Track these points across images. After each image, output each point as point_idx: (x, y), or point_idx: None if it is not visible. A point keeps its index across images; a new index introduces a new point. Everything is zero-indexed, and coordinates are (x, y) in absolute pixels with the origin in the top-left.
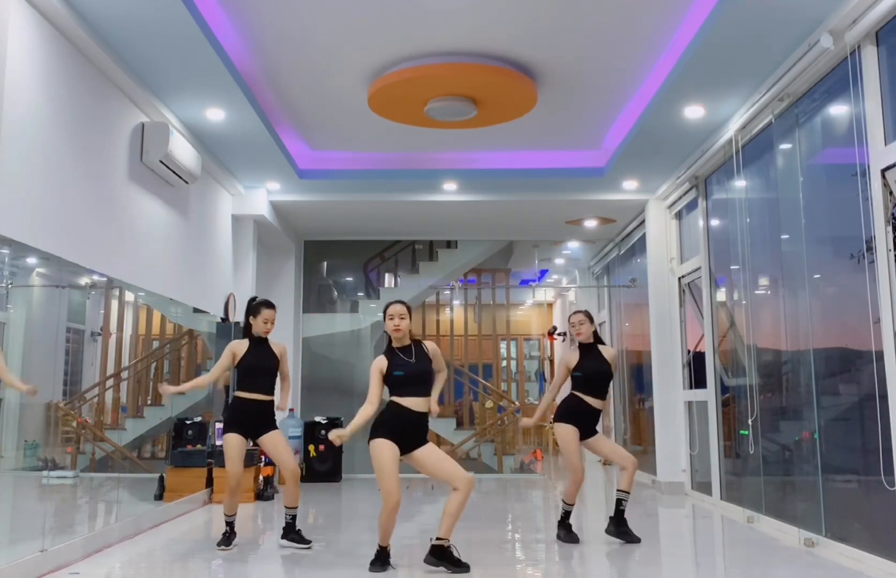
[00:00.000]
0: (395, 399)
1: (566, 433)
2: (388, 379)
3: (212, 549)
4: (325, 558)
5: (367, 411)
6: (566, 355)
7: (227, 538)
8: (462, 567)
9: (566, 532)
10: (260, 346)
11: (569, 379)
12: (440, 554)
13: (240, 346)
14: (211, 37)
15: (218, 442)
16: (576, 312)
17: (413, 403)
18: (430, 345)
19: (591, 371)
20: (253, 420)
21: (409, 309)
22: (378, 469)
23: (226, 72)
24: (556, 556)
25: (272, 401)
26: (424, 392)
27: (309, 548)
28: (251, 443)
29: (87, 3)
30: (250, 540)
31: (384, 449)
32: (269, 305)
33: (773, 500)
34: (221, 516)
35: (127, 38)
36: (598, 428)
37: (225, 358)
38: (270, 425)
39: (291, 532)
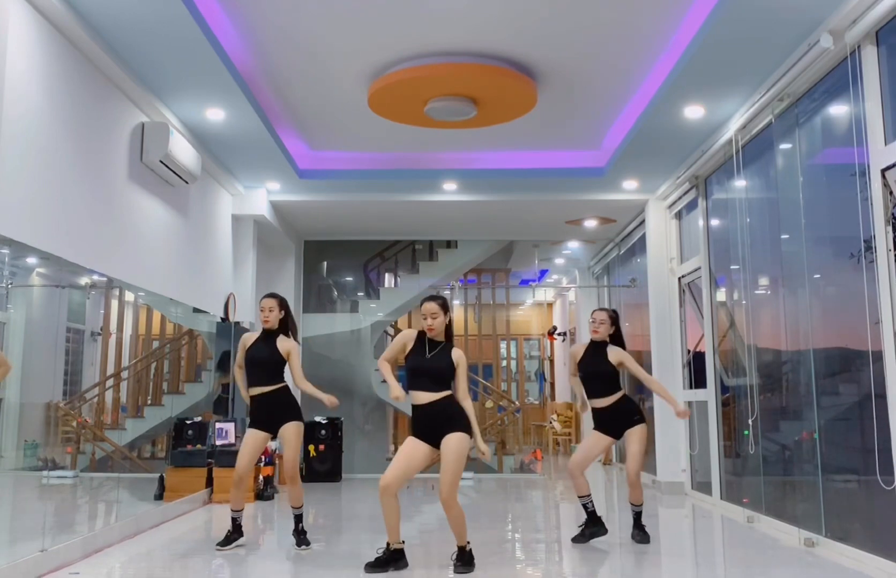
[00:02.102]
0: (410, 393)
1: (588, 437)
2: (405, 363)
3: (212, 549)
4: (326, 558)
5: (383, 365)
6: (575, 346)
7: (228, 538)
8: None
9: (596, 527)
10: (266, 340)
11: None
12: (460, 556)
13: (249, 337)
14: (211, 37)
15: (218, 442)
16: (600, 309)
17: (419, 397)
18: (456, 354)
19: (588, 372)
20: (265, 413)
21: (443, 304)
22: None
23: (226, 72)
24: (556, 556)
25: (281, 390)
26: (434, 388)
27: (306, 550)
28: (272, 439)
29: (87, 3)
30: (250, 540)
31: (407, 442)
32: (267, 295)
33: (773, 500)
34: (221, 516)
35: (127, 37)
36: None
37: (239, 351)
38: (288, 416)
39: (295, 531)
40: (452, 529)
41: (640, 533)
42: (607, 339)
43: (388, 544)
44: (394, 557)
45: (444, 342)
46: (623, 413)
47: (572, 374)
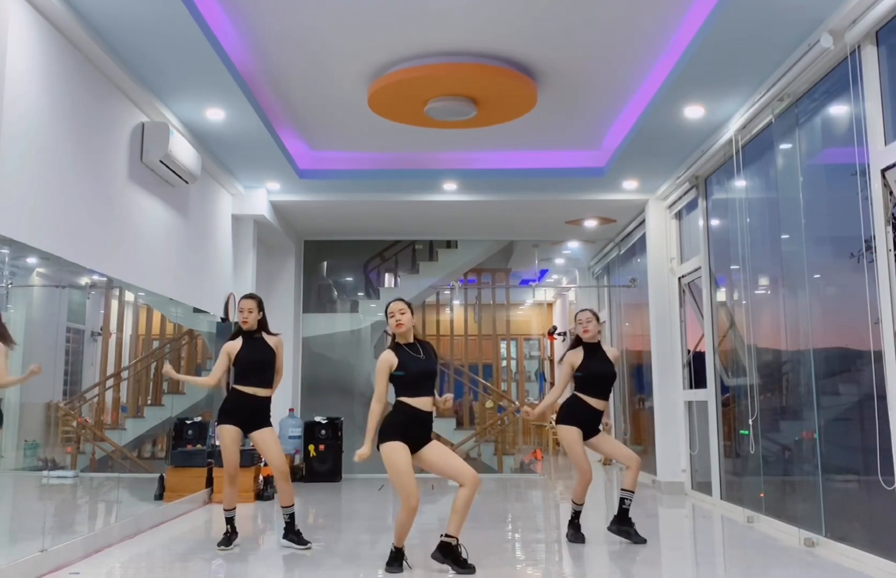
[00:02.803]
0: (404, 399)
1: (570, 435)
2: (395, 376)
3: (212, 549)
4: (325, 558)
5: (376, 410)
6: (570, 355)
7: (228, 538)
8: (467, 568)
9: (574, 532)
10: (254, 341)
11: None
12: (446, 551)
13: (233, 346)
14: (211, 37)
15: (218, 442)
16: (583, 310)
17: (421, 403)
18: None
19: (596, 372)
20: (247, 413)
21: (409, 305)
22: (395, 472)
23: (226, 72)
24: (556, 556)
25: (269, 398)
26: (430, 391)
27: (308, 549)
28: (244, 438)
29: (87, 3)
30: (250, 540)
31: (399, 452)
32: (245, 296)
33: (773, 500)
34: (221, 516)
35: (127, 38)
36: (600, 426)
37: (221, 360)
38: (264, 421)
39: (291, 533)
40: (462, 515)
41: (635, 533)
42: (598, 338)
43: (398, 548)
44: (402, 556)
45: (416, 341)
46: (600, 419)
47: (565, 384)
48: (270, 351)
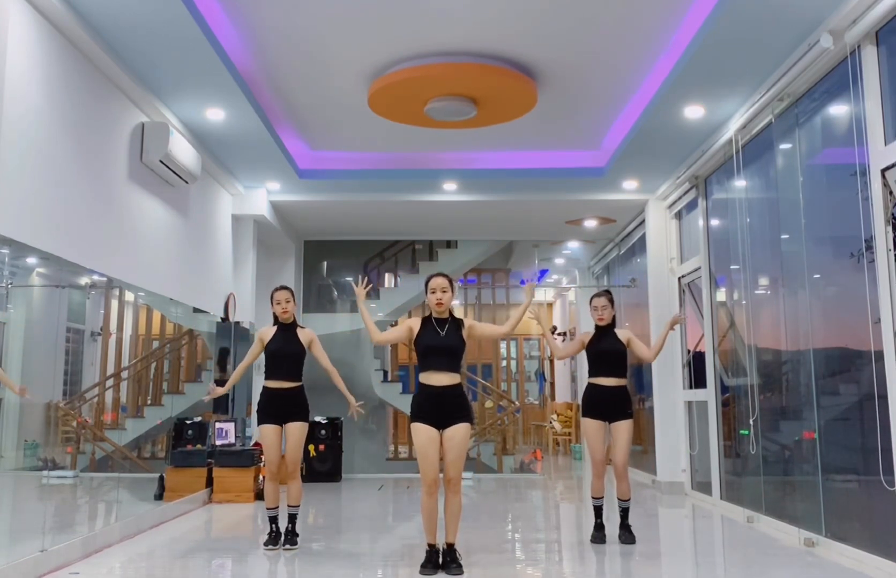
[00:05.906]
0: (420, 375)
1: (585, 426)
2: (416, 346)
3: (212, 549)
4: (326, 558)
5: (372, 329)
6: (582, 334)
7: (274, 538)
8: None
9: (597, 532)
10: (286, 332)
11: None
12: (455, 558)
13: (267, 332)
14: (211, 37)
15: (218, 442)
16: (598, 295)
17: (436, 379)
18: (467, 322)
19: (603, 351)
20: (280, 407)
21: (451, 282)
22: (417, 452)
23: (226, 72)
24: (555, 556)
25: (300, 387)
26: (449, 366)
27: (293, 550)
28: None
29: (86, 3)
30: (250, 541)
31: (418, 432)
32: (281, 288)
33: (773, 500)
34: (221, 516)
35: (127, 38)
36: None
37: (255, 345)
38: (298, 414)
39: (290, 531)
40: (450, 520)
41: (626, 534)
42: (612, 322)
43: (431, 545)
44: (436, 555)
45: (449, 319)
46: (622, 400)
47: (570, 351)
48: (301, 345)
